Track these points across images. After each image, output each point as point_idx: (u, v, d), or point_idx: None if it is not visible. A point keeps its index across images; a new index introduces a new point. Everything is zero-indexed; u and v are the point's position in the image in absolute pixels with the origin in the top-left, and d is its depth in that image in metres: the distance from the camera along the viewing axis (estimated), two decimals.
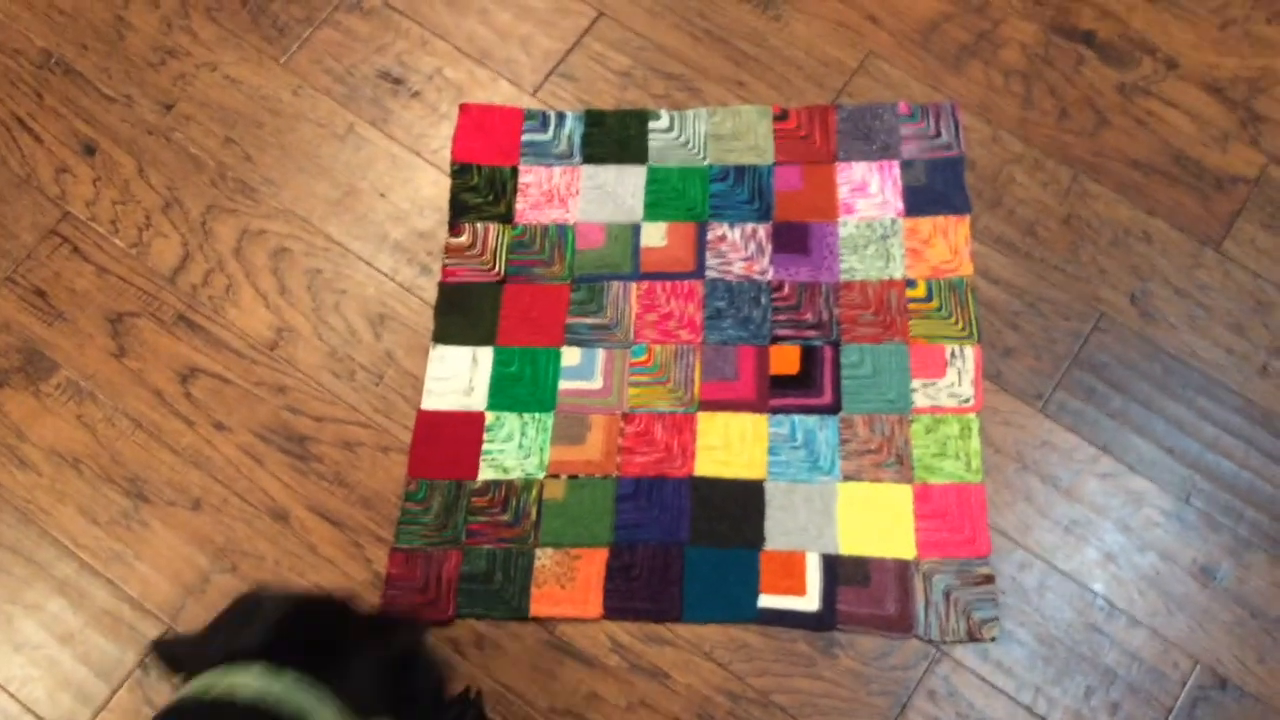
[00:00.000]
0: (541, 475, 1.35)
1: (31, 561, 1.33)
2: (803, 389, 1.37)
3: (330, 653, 0.93)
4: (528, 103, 1.53)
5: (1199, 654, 1.27)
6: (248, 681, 0.88)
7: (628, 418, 1.37)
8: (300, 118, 1.53)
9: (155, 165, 1.50)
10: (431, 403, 1.39)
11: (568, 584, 1.30)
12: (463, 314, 1.42)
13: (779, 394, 1.37)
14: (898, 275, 1.42)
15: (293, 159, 1.51)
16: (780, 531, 1.31)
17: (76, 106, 1.54)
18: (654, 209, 1.47)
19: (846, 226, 1.44)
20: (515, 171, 1.50)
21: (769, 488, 1.33)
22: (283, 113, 1.53)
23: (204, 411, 1.39)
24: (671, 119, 1.51)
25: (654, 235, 1.45)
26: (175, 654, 0.99)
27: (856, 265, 1.42)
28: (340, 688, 0.91)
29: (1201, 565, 1.30)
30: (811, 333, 1.40)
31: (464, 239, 1.46)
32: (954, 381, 1.36)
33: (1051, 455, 1.35)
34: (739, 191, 1.47)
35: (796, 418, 1.36)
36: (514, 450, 1.36)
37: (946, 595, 1.28)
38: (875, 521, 1.31)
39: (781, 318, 1.40)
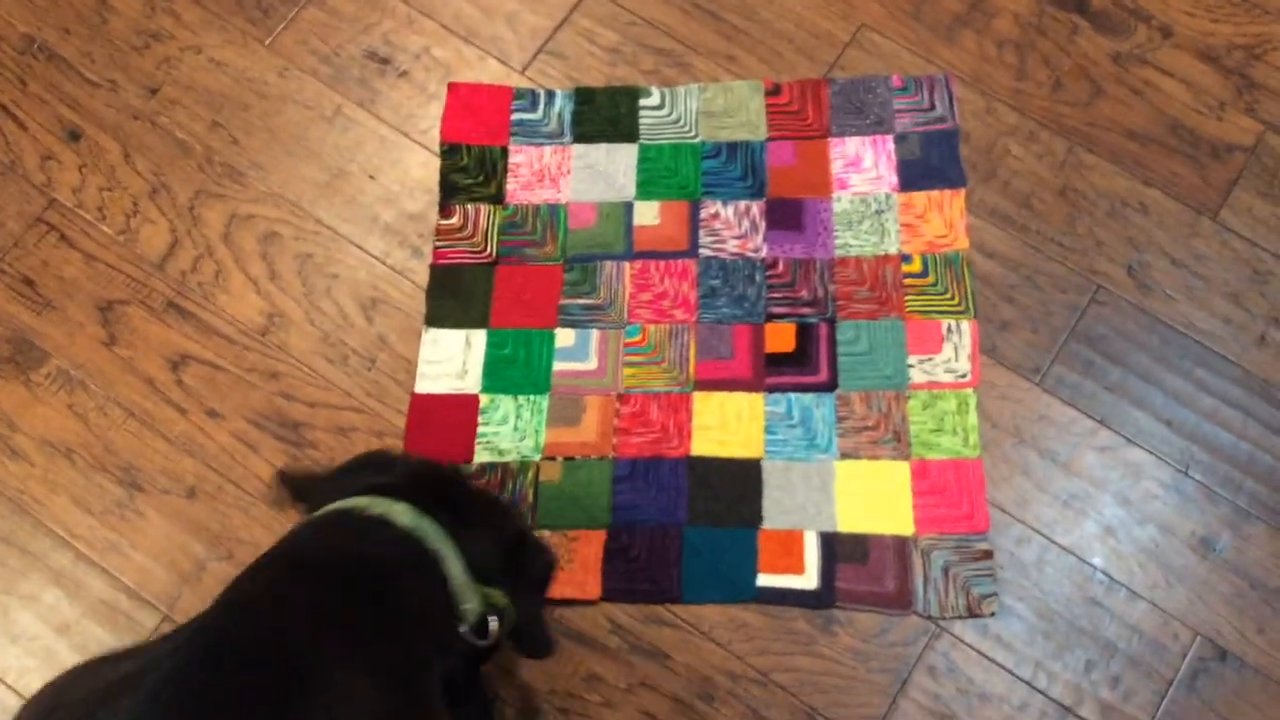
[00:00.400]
0: (537, 458, 1.34)
1: (26, 552, 1.33)
2: (799, 367, 1.36)
3: (457, 514, 0.98)
4: (516, 81, 1.52)
5: (1199, 626, 1.27)
6: (400, 511, 0.94)
7: (623, 398, 1.36)
8: (287, 100, 1.51)
9: (141, 151, 1.49)
10: (425, 386, 1.38)
11: (566, 566, 1.30)
12: (455, 296, 1.41)
13: (775, 372, 1.36)
14: (893, 250, 1.41)
15: (280, 142, 1.49)
16: (778, 510, 1.31)
17: (60, 92, 1.52)
18: (646, 187, 1.45)
19: (841, 202, 1.43)
20: (505, 151, 1.48)
21: (766, 466, 1.33)
22: (269, 95, 1.51)
23: (196, 399, 1.38)
24: (662, 96, 1.49)
25: (646, 214, 1.44)
26: (304, 486, 1.06)
27: (851, 241, 1.41)
28: (464, 548, 0.96)
29: (1201, 537, 1.30)
30: (807, 310, 1.39)
31: (455, 220, 1.45)
32: (950, 357, 1.36)
33: (1049, 429, 1.34)
34: (731, 168, 1.46)
35: (793, 396, 1.35)
36: (509, 433, 1.35)
37: (945, 571, 1.28)
38: (873, 499, 1.31)
39: (776, 295, 1.39)
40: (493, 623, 0.97)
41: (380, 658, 0.84)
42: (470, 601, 0.96)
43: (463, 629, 0.95)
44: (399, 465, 1.04)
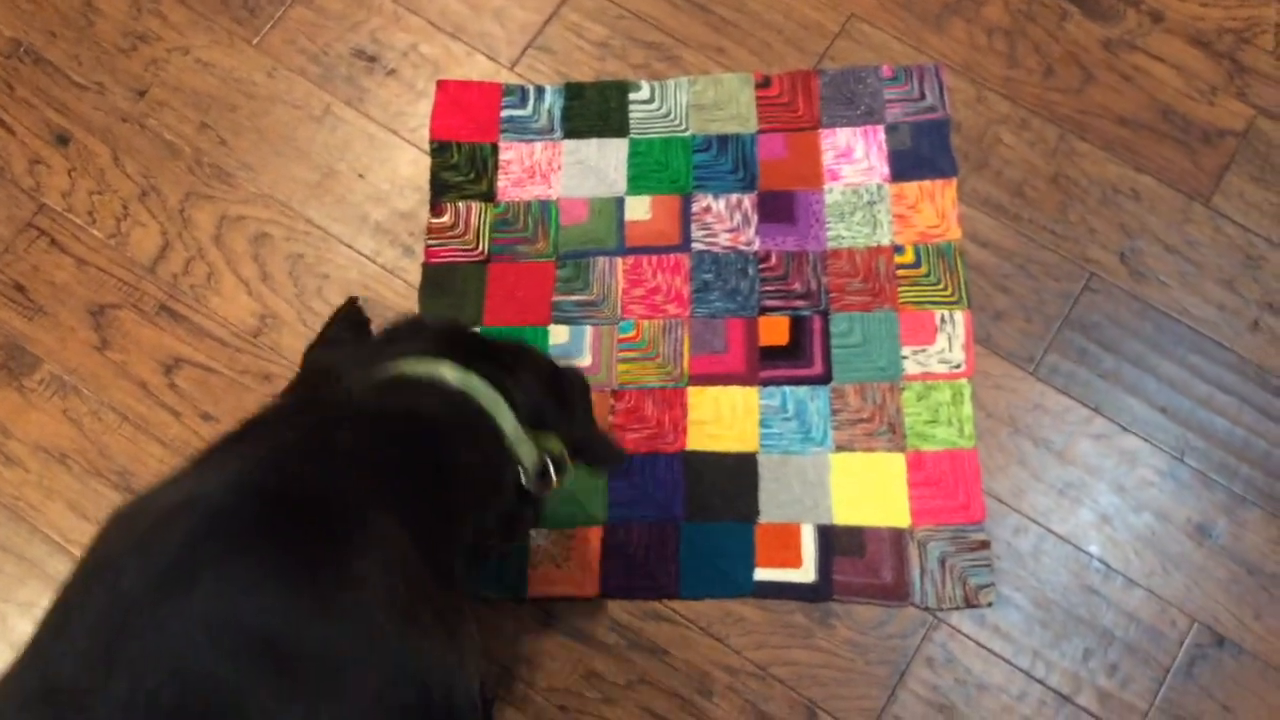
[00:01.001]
0: None
1: (23, 559, 1.33)
2: (793, 360, 1.36)
3: (496, 365, 0.97)
4: (505, 77, 1.51)
5: (1196, 612, 1.27)
6: (448, 371, 0.93)
7: (617, 394, 1.36)
8: (275, 100, 1.51)
9: (130, 153, 1.48)
10: None
11: (564, 563, 1.30)
12: (448, 295, 1.41)
13: (769, 365, 1.36)
14: (885, 242, 1.40)
15: (269, 142, 1.49)
16: (774, 504, 1.31)
17: (48, 96, 1.51)
18: (637, 182, 1.45)
19: (832, 194, 1.43)
20: (495, 148, 1.48)
21: (762, 460, 1.33)
22: (257, 95, 1.51)
23: (190, 402, 1.38)
24: (652, 90, 1.49)
25: (638, 209, 1.44)
26: (332, 362, 1.04)
27: (844, 233, 1.41)
28: (511, 398, 0.95)
29: (1197, 524, 1.30)
30: (800, 303, 1.38)
31: (446, 219, 1.44)
32: (944, 347, 1.35)
33: (1044, 418, 1.34)
34: (722, 161, 1.45)
35: (787, 389, 1.35)
36: None
37: (942, 562, 1.28)
38: (869, 491, 1.31)
39: (769, 288, 1.39)
40: (552, 470, 0.98)
41: (421, 513, 0.84)
42: (527, 451, 0.96)
43: (524, 480, 0.96)
44: (428, 329, 1.03)
